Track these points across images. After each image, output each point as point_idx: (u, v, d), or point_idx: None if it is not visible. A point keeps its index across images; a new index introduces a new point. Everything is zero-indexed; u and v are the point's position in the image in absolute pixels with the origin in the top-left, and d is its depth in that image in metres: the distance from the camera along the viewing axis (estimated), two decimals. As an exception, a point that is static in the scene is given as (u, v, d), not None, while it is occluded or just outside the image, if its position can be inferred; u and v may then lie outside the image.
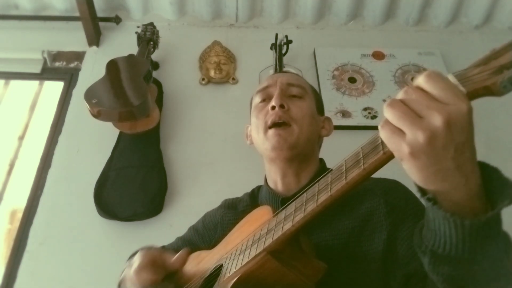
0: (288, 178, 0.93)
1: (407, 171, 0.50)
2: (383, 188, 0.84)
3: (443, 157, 0.47)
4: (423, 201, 0.53)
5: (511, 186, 0.49)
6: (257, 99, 1.01)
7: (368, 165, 0.54)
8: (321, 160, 1.01)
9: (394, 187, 0.87)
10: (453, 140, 0.46)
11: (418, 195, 0.54)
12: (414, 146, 0.47)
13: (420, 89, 0.48)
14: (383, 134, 0.49)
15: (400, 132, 0.48)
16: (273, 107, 0.92)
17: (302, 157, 0.93)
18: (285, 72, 1.08)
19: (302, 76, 1.21)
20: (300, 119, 0.93)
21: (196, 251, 0.97)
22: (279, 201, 0.91)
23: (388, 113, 0.49)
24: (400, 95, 0.49)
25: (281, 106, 0.92)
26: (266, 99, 0.98)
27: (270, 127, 0.92)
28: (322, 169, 0.96)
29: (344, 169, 0.58)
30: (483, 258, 0.51)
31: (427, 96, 0.48)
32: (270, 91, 0.98)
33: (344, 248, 0.79)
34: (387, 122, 0.49)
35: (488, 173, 0.52)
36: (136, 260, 0.83)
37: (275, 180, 0.96)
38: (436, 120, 0.46)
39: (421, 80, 0.49)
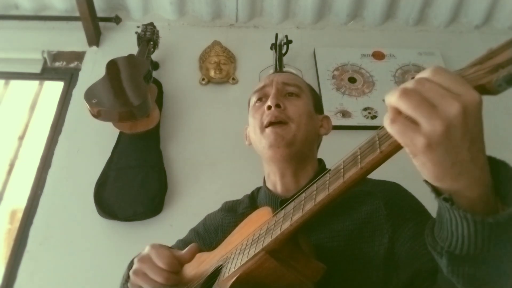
0: (287, 178, 0.93)
1: (420, 168, 0.48)
2: (383, 190, 0.84)
3: (460, 148, 0.45)
4: (438, 202, 0.51)
5: None
6: (253, 99, 1.01)
7: (365, 164, 0.54)
8: (321, 161, 1.01)
9: (394, 190, 0.87)
10: (469, 130, 0.45)
11: (432, 195, 0.51)
12: (431, 137, 0.44)
13: (431, 80, 0.46)
14: (395, 128, 0.46)
15: (413, 125, 0.45)
16: (269, 107, 0.93)
17: (300, 156, 0.92)
18: (283, 71, 1.08)
19: (302, 76, 1.21)
20: (297, 117, 0.93)
21: (197, 253, 0.97)
22: (278, 203, 0.91)
23: (402, 103, 0.46)
24: (410, 84, 0.47)
25: (277, 106, 0.92)
26: (262, 99, 0.99)
27: (266, 126, 0.92)
28: (322, 170, 0.96)
29: (342, 169, 0.58)
30: (504, 254, 0.50)
31: (440, 86, 0.46)
32: (267, 90, 0.99)
33: (344, 249, 0.79)
34: (396, 116, 0.46)
35: (496, 166, 0.51)
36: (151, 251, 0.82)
37: (274, 181, 0.96)
38: (454, 109, 0.44)
39: (428, 74, 0.47)
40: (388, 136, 0.52)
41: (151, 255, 0.79)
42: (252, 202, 1.02)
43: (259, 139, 0.94)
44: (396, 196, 0.83)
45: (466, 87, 0.45)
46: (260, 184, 1.07)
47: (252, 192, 1.06)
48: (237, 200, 1.08)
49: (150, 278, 0.77)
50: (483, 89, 0.45)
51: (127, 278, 0.87)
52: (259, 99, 0.99)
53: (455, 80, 0.46)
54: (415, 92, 0.46)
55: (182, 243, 1.07)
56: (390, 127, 0.47)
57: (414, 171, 0.49)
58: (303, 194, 0.63)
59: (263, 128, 0.93)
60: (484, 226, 0.48)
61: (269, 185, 0.98)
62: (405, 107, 0.45)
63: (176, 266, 0.78)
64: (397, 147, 0.51)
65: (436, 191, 0.51)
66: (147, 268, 0.78)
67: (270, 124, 0.91)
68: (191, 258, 0.81)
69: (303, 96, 0.99)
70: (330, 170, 0.62)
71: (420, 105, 0.45)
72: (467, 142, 0.45)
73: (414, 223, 0.76)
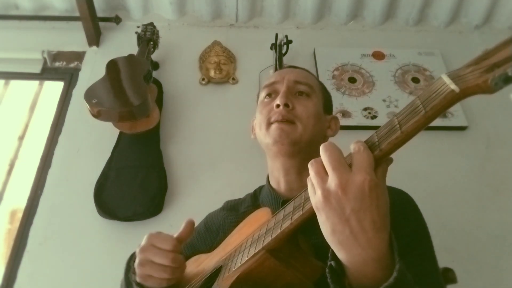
0: (291, 176, 0.93)
1: None
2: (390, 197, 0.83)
3: (338, 219, 0.53)
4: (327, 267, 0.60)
5: (396, 270, 0.54)
6: (262, 94, 1.00)
7: None
8: None
9: (399, 198, 0.86)
10: (349, 203, 0.52)
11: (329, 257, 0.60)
12: (316, 201, 0.55)
13: (336, 149, 0.56)
14: (308, 186, 0.57)
15: (313, 189, 0.56)
16: (278, 106, 0.92)
17: (304, 154, 0.91)
18: (295, 67, 1.07)
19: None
20: (305, 118, 0.92)
21: (196, 255, 0.97)
22: (280, 203, 0.90)
23: (309, 171, 0.56)
24: (321, 148, 0.56)
25: (286, 105, 0.91)
26: (272, 95, 0.98)
27: (272, 122, 0.92)
28: None
29: None
30: None
31: (339, 158, 0.54)
32: (277, 87, 0.98)
33: None
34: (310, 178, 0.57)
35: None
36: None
37: (278, 178, 0.95)
38: (332, 182, 0.53)
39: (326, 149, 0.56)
40: (386, 137, 0.53)
41: (152, 242, 0.79)
42: (254, 201, 1.02)
43: (264, 135, 0.93)
44: (399, 205, 0.80)
45: (360, 167, 0.53)
46: (260, 183, 1.07)
47: (255, 191, 1.06)
48: (239, 199, 1.08)
49: (158, 264, 0.77)
50: (480, 88, 0.46)
51: (132, 272, 0.87)
52: (269, 95, 0.98)
53: (357, 158, 0.54)
54: (316, 163, 0.56)
55: (183, 244, 1.07)
56: (308, 183, 0.58)
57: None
58: (303, 194, 0.63)
59: (269, 124, 0.92)
60: None
61: (272, 182, 0.97)
62: (310, 173, 0.56)
63: (178, 246, 0.79)
64: (396, 146, 0.53)
65: (333, 255, 0.59)
66: (152, 255, 0.77)
67: (276, 120, 0.91)
68: (189, 232, 0.82)
69: (313, 96, 0.97)
70: None
71: (314, 176, 0.55)
72: (346, 213, 0.52)
73: (407, 240, 0.76)
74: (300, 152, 0.91)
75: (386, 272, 0.54)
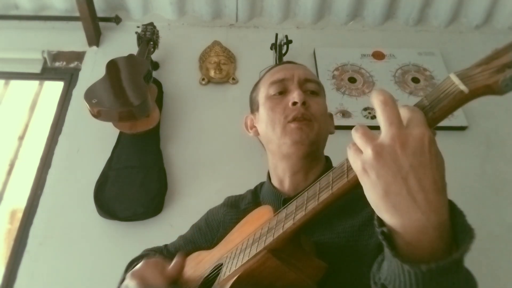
0: (298, 176, 0.92)
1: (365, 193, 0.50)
2: None
3: (392, 178, 0.46)
4: (378, 234, 0.51)
5: (470, 236, 0.49)
6: (271, 91, 0.97)
7: None
8: (327, 159, 0.98)
9: None
10: (407, 158, 0.46)
11: (376, 224, 0.52)
12: (364, 161, 0.48)
13: (395, 104, 0.49)
14: (349, 153, 0.52)
15: (360, 151, 0.50)
16: (295, 103, 0.90)
17: (314, 154, 0.91)
18: (297, 64, 1.07)
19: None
20: (319, 116, 0.92)
21: (197, 251, 0.97)
22: (281, 201, 0.90)
23: (353, 135, 0.51)
24: (378, 100, 0.50)
25: (304, 103, 0.90)
26: (283, 92, 0.95)
27: (290, 121, 0.89)
28: (329, 167, 0.95)
29: (346, 168, 0.57)
30: None
31: (398, 114, 0.48)
32: (287, 84, 0.96)
33: (345, 248, 0.78)
34: (353, 143, 0.51)
35: (454, 214, 0.50)
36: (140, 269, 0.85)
37: (282, 177, 0.94)
38: (384, 135, 0.47)
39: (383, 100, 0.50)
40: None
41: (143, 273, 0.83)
42: (255, 198, 1.01)
43: (279, 135, 0.91)
44: None
45: (416, 122, 0.48)
46: (260, 182, 1.07)
47: (256, 188, 1.06)
48: (240, 195, 1.07)
49: None
50: (490, 89, 0.45)
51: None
52: (280, 93, 0.95)
53: (410, 114, 0.49)
54: (362, 128, 0.50)
55: (184, 240, 1.07)
56: (347, 152, 0.52)
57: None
58: (306, 193, 0.63)
59: (286, 123, 0.90)
60: (416, 275, 0.47)
61: (274, 181, 0.96)
62: (354, 138, 0.51)
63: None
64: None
65: (380, 221, 0.51)
66: None
67: (294, 119, 0.89)
68: (178, 272, 0.86)
69: (322, 94, 0.98)
70: (333, 168, 0.62)
71: (361, 136, 0.49)
72: (403, 170, 0.46)
73: None
74: (313, 152, 0.90)
75: (445, 243, 0.48)
